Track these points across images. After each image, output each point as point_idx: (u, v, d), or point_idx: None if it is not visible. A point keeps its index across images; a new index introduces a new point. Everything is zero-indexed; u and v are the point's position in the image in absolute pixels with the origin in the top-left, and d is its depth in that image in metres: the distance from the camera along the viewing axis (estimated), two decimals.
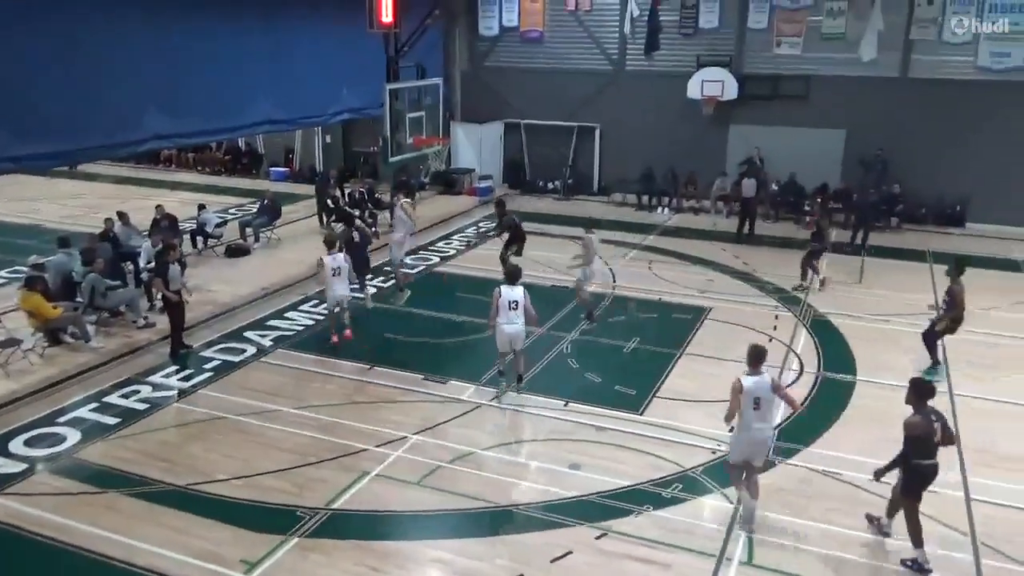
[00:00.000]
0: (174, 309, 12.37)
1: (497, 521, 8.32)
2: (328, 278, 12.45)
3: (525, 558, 7.72)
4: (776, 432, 9.27)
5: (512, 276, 10.91)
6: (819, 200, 20.85)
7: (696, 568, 7.60)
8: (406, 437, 9.86)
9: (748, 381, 7.85)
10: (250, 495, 8.73)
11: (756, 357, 7.99)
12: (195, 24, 14.52)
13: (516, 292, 10.71)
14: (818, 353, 12.65)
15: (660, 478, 9.07)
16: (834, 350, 12.80)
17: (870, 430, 10.17)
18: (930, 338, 11.84)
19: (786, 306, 14.75)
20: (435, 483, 8.94)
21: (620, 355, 12.66)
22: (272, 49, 16.39)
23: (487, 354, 12.53)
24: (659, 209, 22.58)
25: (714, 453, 9.54)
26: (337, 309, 12.80)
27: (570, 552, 7.80)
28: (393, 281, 15.69)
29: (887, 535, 8.04)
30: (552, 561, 7.67)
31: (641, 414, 10.59)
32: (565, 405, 10.85)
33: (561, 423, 10.40)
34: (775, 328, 13.68)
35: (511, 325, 10.71)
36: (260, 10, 16.15)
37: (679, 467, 9.27)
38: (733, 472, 8.34)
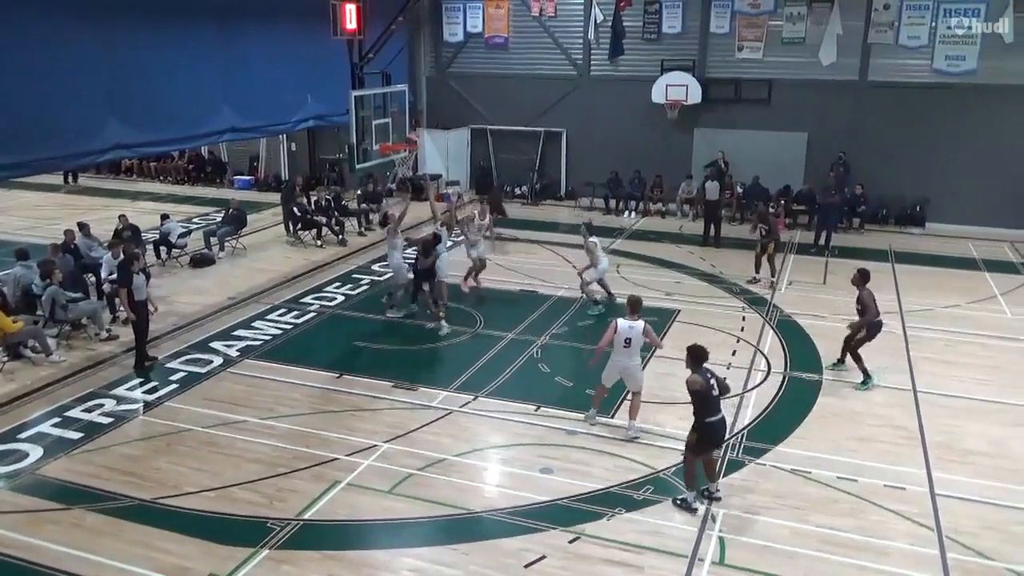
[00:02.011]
0: (139, 321, 12.17)
1: (470, 527, 8.30)
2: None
3: (499, 564, 7.71)
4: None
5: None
6: (783, 201, 21.20)
7: (668, 569, 7.63)
8: (377, 445, 9.79)
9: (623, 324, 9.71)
10: (219, 507, 8.61)
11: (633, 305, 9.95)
12: (152, 33, 14.31)
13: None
14: (785, 353, 12.80)
15: (631, 480, 9.10)
16: (800, 350, 12.96)
17: (838, 428, 10.34)
18: (853, 351, 11.59)
19: (753, 307, 14.90)
20: (407, 491, 8.89)
21: (590, 358, 12.67)
22: (232, 57, 16.22)
23: (456, 360, 12.54)
24: (626, 213, 22.72)
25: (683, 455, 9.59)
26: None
27: (543, 557, 7.79)
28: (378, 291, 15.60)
29: (718, 499, 8.63)
30: (526, 566, 7.66)
31: (612, 417, 10.63)
32: (536, 410, 10.85)
33: (532, 428, 10.40)
34: (742, 329, 13.82)
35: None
36: (218, 18, 15.97)
37: (650, 469, 9.32)
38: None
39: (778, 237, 16.45)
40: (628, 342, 9.75)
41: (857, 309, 11.61)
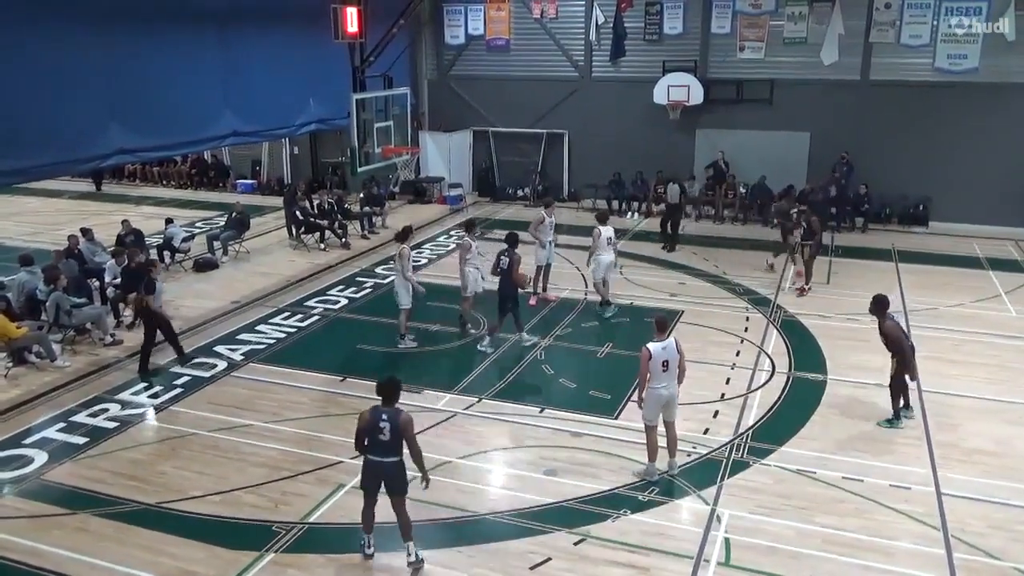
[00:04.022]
0: (161, 326, 12.30)
1: (475, 530, 8.29)
2: None
3: (504, 566, 7.70)
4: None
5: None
6: (799, 204, 21.15)
7: (674, 571, 7.62)
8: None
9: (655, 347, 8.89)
10: (224, 512, 8.62)
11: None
12: (154, 38, 14.36)
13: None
14: (789, 353, 12.78)
15: (637, 482, 9.09)
16: (804, 350, 12.94)
17: (842, 428, 10.31)
18: (894, 388, 10.43)
19: (756, 308, 14.89)
20: (411, 493, 8.85)
21: (594, 360, 12.70)
22: (234, 61, 16.25)
23: (460, 363, 12.54)
24: (629, 214, 22.71)
25: (688, 455, 9.59)
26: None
27: (549, 559, 7.78)
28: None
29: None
30: (531, 568, 7.66)
31: (616, 418, 10.62)
32: (540, 412, 10.84)
33: (537, 430, 10.39)
34: (746, 330, 13.80)
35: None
36: (220, 22, 16.00)
37: (656, 469, 9.30)
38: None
39: (819, 240, 15.86)
40: (666, 365, 8.85)
41: (886, 343, 10.14)
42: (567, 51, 23.76)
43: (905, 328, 13.49)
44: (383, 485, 7.60)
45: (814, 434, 10.20)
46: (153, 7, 14.36)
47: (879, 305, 10.24)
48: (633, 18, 22.51)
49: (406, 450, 7.46)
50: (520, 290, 13.07)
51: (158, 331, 12.34)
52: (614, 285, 15.07)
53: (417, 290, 12.96)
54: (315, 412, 10.91)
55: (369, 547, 7.85)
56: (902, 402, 10.41)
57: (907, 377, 10.18)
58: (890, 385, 10.33)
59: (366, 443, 7.48)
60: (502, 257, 12.89)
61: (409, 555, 7.70)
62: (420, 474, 7.56)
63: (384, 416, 7.41)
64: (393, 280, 13.41)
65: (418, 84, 24.95)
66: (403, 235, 13.03)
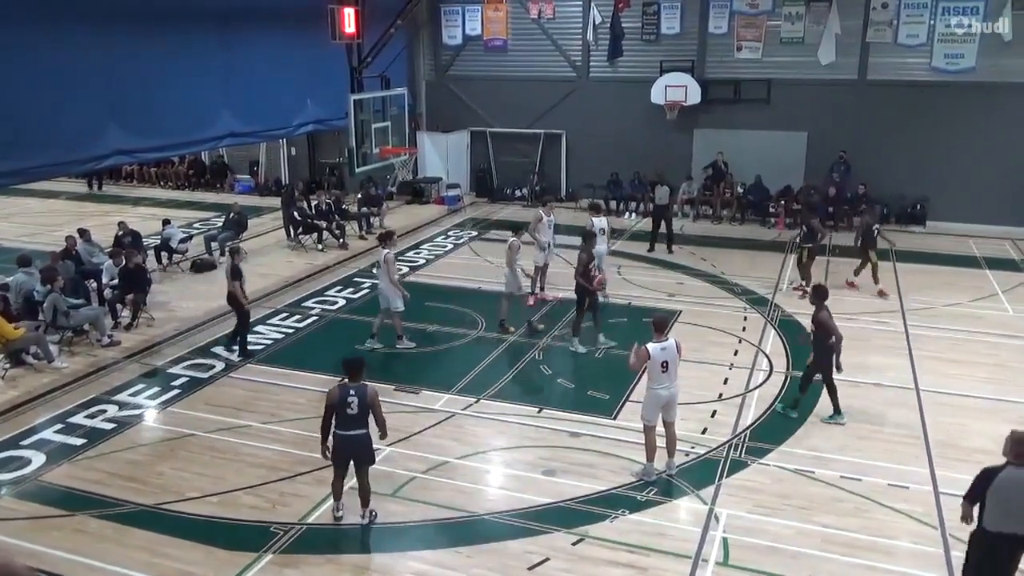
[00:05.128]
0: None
1: (473, 530, 8.29)
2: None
3: (503, 566, 7.70)
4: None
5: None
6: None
7: (673, 571, 7.62)
8: (379, 448, 9.76)
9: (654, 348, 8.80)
10: (222, 513, 8.61)
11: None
12: (152, 38, 14.35)
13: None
14: (787, 353, 12.78)
15: (635, 482, 9.09)
16: (803, 350, 12.88)
17: (841, 428, 10.32)
18: (829, 384, 10.50)
19: (754, 307, 14.89)
20: (410, 494, 8.88)
21: (592, 360, 12.70)
22: (232, 62, 16.25)
23: (458, 363, 12.53)
24: (627, 214, 22.72)
25: (687, 455, 9.59)
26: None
27: (547, 559, 7.78)
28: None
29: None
30: (529, 568, 7.65)
31: (614, 419, 10.62)
32: (539, 412, 10.84)
33: (535, 430, 10.39)
34: (744, 329, 13.81)
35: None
36: (218, 23, 16.01)
37: (655, 470, 9.29)
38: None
39: (819, 241, 15.74)
40: (665, 366, 8.80)
41: (815, 332, 10.33)
42: (565, 51, 23.76)
43: (904, 328, 13.59)
44: (352, 458, 8.16)
45: (812, 433, 10.21)
46: (151, 8, 14.37)
47: (818, 294, 10.45)
48: (630, 18, 22.52)
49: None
50: (597, 289, 12.88)
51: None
52: (613, 285, 15.06)
53: (403, 295, 12.82)
54: (313, 413, 10.83)
55: (339, 511, 8.42)
56: (802, 390, 10.67)
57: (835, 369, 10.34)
58: (828, 384, 10.44)
59: (335, 419, 7.95)
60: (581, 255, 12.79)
61: (363, 516, 8.35)
62: (380, 433, 8.27)
63: (352, 391, 7.89)
64: (378, 285, 13.08)
65: (416, 84, 24.95)
66: (386, 239, 12.90)
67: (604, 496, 8.83)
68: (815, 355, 10.43)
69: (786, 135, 21.69)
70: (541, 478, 9.23)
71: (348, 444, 8.02)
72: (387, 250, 12.69)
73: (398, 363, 12.55)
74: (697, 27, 22.21)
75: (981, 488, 6.40)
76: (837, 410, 10.47)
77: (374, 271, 12.88)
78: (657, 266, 17.74)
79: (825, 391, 10.53)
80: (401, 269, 17.48)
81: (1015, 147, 19.96)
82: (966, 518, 6.61)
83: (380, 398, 8.14)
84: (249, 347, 13.06)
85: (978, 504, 6.47)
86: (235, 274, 12.66)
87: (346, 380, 8.00)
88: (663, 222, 18.65)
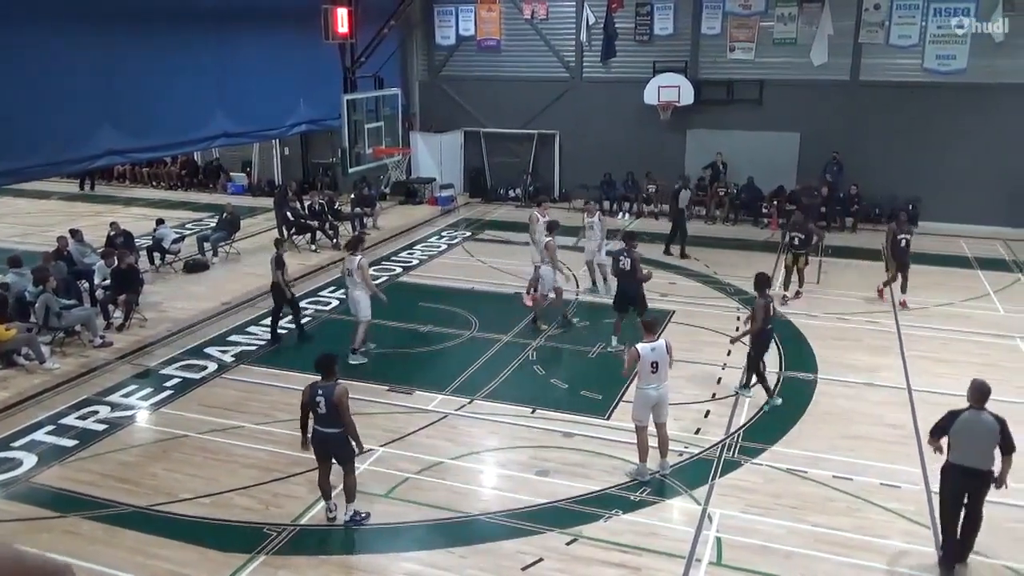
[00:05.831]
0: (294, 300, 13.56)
1: (467, 531, 8.29)
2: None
3: (496, 567, 7.70)
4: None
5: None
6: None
7: (666, 570, 7.63)
8: (373, 449, 9.78)
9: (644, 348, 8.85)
10: (215, 514, 8.59)
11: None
12: (145, 39, 14.35)
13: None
14: (780, 353, 12.81)
15: (628, 482, 9.10)
16: (795, 349, 12.98)
17: (833, 427, 10.35)
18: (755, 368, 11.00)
19: (747, 307, 14.89)
20: (403, 495, 8.88)
21: (585, 360, 12.71)
22: (225, 62, 16.23)
23: (452, 363, 12.52)
24: (619, 214, 22.74)
25: (680, 455, 9.61)
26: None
27: (541, 559, 7.78)
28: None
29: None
30: (523, 569, 7.65)
31: (608, 419, 10.63)
32: (532, 412, 10.85)
33: (528, 430, 10.39)
34: (737, 329, 13.80)
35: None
36: (211, 23, 15.98)
37: (647, 470, 9.31)
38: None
39: (813, 246, 15.47)
40: (655, 366, 8.86)
41: (751, 316, 10.84)
42: (558, 52, 23.78)
43: (896, 328, 13.62)
44: (331, 456, 8.20)
45: (805, 433, 10.24)
46: (144, 8, 14.35)
47: (760, 282, 10.83)
48: (624, 19, 22.55)
49: None
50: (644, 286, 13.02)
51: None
52: (608, 286, 15.07)
53: (380, 300, 12.57)
54: None
55: (331, 511, 8.38)
56: (755, 379, 10.98)
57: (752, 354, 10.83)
58: (754, 369, 10.91)
59: (312, 416, 8.06)
60: (621, 257, 12.86)
61: (345, 513, 8.31)
62: (354, 443, 8.13)
63: (320, 391, 7.94)
64: (349, 293, 12.73)
65: (409, 85, 24.92)
66: (356, 245, 12.65)
67: (597, 496, 8.83)
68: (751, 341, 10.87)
69: (779, 136, 21.76)
70: (534, 478, 9.24)
71: (323, 441, 8.11)
72: (359, 256, 12.40)
73: (391, 364, 12.54)
74: (690, 28, 22.25)
75: (944, 426, 7.60)
76: (769, 392, 10.91)
77: (346, 278, 12.64)
78: (649, 265, 17.67)
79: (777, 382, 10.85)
80: (409, 262, 17.54)
81: (1006, 148, 20.05)
82: (937, 450, 7.72)
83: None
84: (248, 347, 13.03)
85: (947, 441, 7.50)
86: (279, 263, 13.09)
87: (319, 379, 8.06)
88: (679, 226, 18.47)
